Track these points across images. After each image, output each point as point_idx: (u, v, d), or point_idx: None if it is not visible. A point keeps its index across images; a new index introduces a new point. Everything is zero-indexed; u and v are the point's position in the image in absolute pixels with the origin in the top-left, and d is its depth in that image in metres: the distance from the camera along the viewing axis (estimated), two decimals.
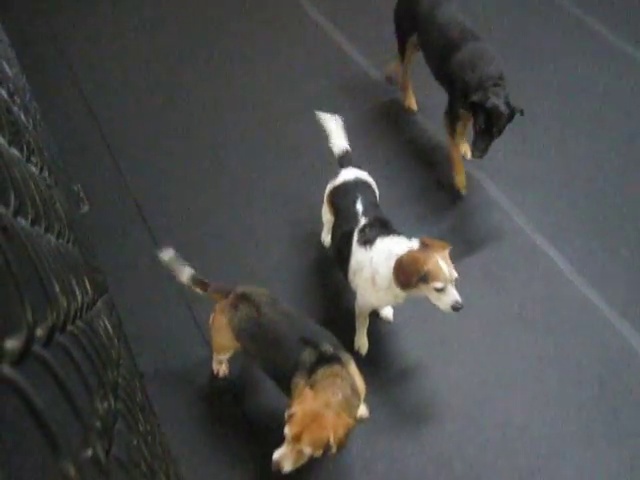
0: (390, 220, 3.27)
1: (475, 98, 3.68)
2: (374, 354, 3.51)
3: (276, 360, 2.87)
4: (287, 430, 2.49)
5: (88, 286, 1.41)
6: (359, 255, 3.20)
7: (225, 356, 3.29)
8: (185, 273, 3.15)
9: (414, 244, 3.02)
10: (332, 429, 2.45)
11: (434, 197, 4.30)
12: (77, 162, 4.47)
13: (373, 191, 3.50)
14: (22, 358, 0.66)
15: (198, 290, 3.16)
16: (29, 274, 0.89)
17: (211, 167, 4.53)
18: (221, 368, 3.41)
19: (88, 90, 5.14)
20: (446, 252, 2.93)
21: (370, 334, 3.52)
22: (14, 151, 1.25)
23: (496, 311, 3.71)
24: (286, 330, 2.85)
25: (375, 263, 3.09)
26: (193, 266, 3.20)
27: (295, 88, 5.08)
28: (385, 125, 4.77)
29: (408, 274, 2.91)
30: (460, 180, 4.24)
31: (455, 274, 2.89)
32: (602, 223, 4.14)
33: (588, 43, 5.31)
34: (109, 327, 1.59)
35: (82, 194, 4.17)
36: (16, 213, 0.98)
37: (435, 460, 3.16)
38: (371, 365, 3.42)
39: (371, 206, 3.36)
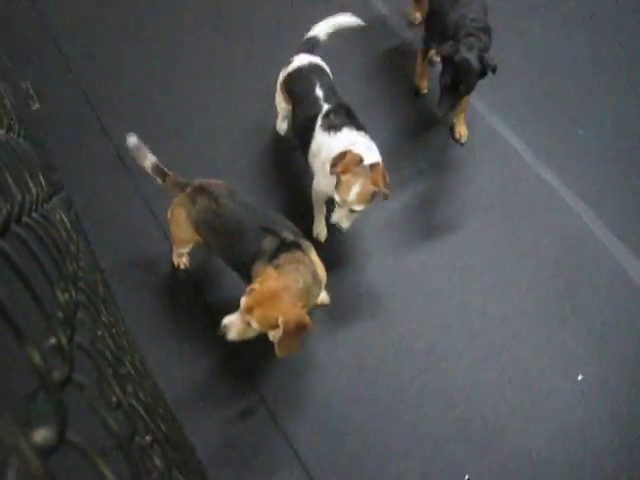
0: (351, 107, 3.26)
1: (444, 51, 3.46)
2: (333, 242, 3.55)
3: (237, 250, 2.88)
4: (242, 301, 2.54)
5: (42, 181, 1.39)
6: (320, 139, 3.21)
7: (185, 249, 3.30)
8: (149, 159, 3.09)
9: (371, 157, 3.01)
10: (283, 313, 2.49)
11: (395, 90, 4.28)
12: (24, 60, 4.32)
13: (328, 75, 3.47)
14: None
15: (158, 179, 3.11)
16: None
17: (165, 61, 4.41)
18: (181, 260, 3.44)
19: None
20: (370, 188, 2.93)
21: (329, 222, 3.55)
22: None
23: (453, 196, 3.75)
24: (246, 220, 2.85)
25: (332, 148, 3.09)
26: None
27: None
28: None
29: (332, 166, 2.99)
30: (421, 85, 4.23)
31: (357, 208, 2.96)
32: (558, 104, 4.17)
33: None
34: (66, 221, 1.58)
35: (31, 91, 4.06)
36: None
37: (395, 343, 3.25)
38: (330, 252, 3.46)
39: (330, 91, 3.33)
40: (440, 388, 3.14)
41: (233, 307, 2.52)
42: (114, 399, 1.10)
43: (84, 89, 4.22)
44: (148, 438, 1.26)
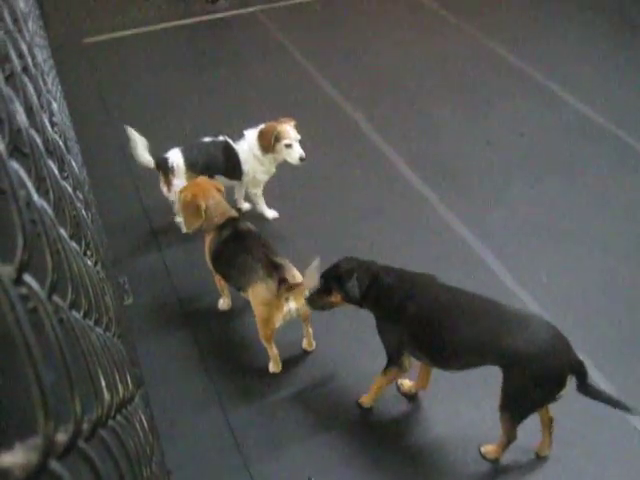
0: None
1: None
2: None
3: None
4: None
5: (129, 381, 1.43)
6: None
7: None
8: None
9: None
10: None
11: None
12: (124, 255, 4.55)
13: None
14: (68, 452, 0.68)
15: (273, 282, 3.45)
16: (79, 366, 0.92)
17: None
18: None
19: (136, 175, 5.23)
20: (292, 123, 4.37)
21: None
22: (74, 245, 1.29)
23: None
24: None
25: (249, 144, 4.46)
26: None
27: None
28: None
29: (267, 137, 4.31)
30: None
31: (298, 136, 4.31)
32: None
33: None
34: (145, 422, 1.59)
35: (127, 286, 4.22)
36: (72, 306, 1.02)
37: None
38: None
39: None
40: None
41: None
42: None
43: (176, 287, 4.36)
44: None
